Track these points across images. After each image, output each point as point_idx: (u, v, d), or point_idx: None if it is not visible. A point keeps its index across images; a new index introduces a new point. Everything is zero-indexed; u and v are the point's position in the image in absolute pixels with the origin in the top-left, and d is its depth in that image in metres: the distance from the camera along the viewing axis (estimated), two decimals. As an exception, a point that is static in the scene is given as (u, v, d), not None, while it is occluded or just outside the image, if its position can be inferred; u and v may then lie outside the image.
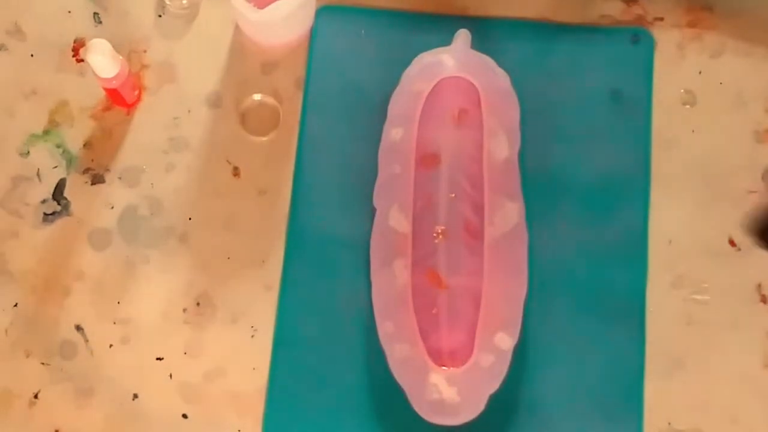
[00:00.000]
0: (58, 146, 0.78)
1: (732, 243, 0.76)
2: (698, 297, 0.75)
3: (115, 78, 0.73)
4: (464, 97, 0.73)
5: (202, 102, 0.79)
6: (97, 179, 0.77)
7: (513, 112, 0.75)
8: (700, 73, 0.79)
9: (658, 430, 0.73)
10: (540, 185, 0.76)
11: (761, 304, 0.75)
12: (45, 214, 0.77)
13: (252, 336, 0.75)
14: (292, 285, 0.75)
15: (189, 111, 0.79)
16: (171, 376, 0.74)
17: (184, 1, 0.80)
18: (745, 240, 0.76)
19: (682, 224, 0.76)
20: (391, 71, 0.76)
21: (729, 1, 0.80)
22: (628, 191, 0.76)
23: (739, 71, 0.79)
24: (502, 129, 0.73)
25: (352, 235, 0.75)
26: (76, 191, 0.77)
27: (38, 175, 0.77)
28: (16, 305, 0.75)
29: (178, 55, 0.79)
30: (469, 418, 0.69)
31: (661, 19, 0.80)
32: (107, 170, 0.77)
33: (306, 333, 0.74)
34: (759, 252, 0.75)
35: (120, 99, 0.77)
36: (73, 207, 0.77)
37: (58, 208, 0.77)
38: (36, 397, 0.74)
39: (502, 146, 0.73)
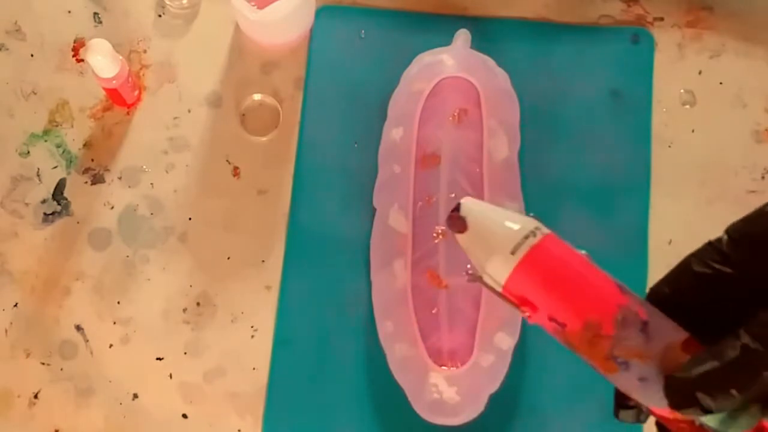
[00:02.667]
0: (58, 146, 0.78)
1: (732, 243, 0.76)
2: (698, 297, 0.75)
3: (115, 78, 0.73)
4: (464, 97, 0.73)
5: (202, 102, 0.79)
6: (97, 179, 0.77)
7: (513, 112, 0.75)
8: (700, 73, 0.79)
9: (658, 430, 0.73)
10: (540, 185, 0.76)
11: (761, 304, 0.75)
12: (45, 214, 0.77)
13: (252, 336, 0.75)
14: (292, 285, 0.75)
15: (189, 111, 0.79)
16: (171, 376, 0.74)
17: (184, 1, 0.80)
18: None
19: (682, 224, 0.76)
20: (391, 71, 0.76)
21: (729, 1, 0.80)
22: (628, 191, 0.76)
23: (739, 71, 0.79)
24: (502, 129, 0.73)
25: (352, 235, 0.75)
26: (76, 191, 0.77)
27: (38, 175, 0.77)
28: (16, 305, 0.75)
29: (178, 55, 0.80)
30: (469, 418, 0.69)
31: (661, 19, 0.80)
32: (107, 170, 0.77)
33: (306, 333, 0.74)
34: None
35: (120, 99, 0.77)
36: (73, 207, 0.77)
37: (58, 208, 0.77)
38: (36, 397, 0.74)
39: (502, 146, 0.73)
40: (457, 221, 0.49)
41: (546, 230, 0.47)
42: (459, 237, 0.49)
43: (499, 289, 0.48)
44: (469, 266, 0.51)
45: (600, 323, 0.46)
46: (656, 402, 0.45)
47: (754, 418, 0.42)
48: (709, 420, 0.43)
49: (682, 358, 0.44)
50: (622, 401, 0.48)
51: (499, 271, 0.47)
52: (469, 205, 0.49)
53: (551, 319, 0.47)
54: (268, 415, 0.73)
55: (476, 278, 0.49)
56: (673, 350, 0.45)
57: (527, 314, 0.47)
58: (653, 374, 0.45)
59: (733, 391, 0.41)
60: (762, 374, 0.40)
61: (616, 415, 0.49)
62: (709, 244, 0.47)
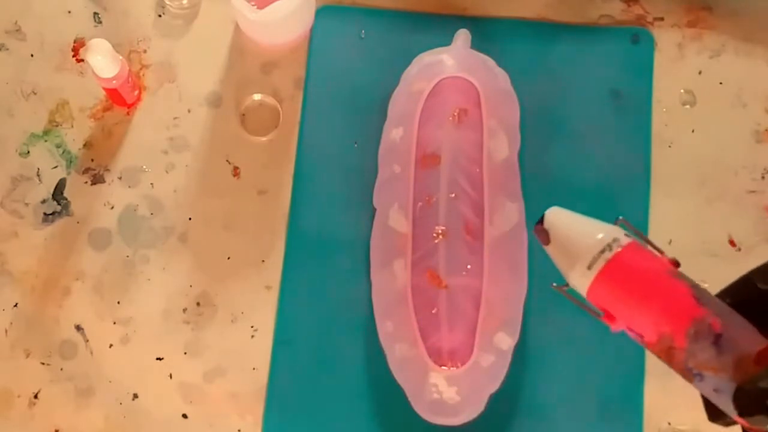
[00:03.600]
0: (58, 146, 0.78)
1: (732, 243, 0.76)
2: (698, 297, 0.75)
3: (115, 78, 0.73)
4: (464, 97, 0.73)
5: (202, 102, 0.79)
6: (97, 179, 0.77)
7: (513, 112, 0.75)
8: (700, 73, 0.79)
9: (658, 430, 0.73)
10: (540, 185, 0.75)
11: (761, 304, 0.75)
12: (45, 214, 0.77)
13: (252, 336, 0.75)
14: (292, 285, 0.75)
15: (189, 111, 0.79)
16: (171, 376, 0.74)
17: (184, 1, 0.80)
18: (745, 240, 0.76)
19: (682, 224, 0.76)
20: (391, 71, 0.76)
21: (729, 1, 0.80)
22: (628, 191, 0.76)
23: (739, 71, 0.79)
24: (502, 129, 0.73)
25: (352, 235, 0.75)
26: (76, 191, 0.77)
27: (38, 175, 0.77)
28: (16, 305, 0.75)
29: (178, 55, 0.79)
30: (469, 418, 0.69)
31: (661, 19, 0.80)
32: (107, 170, 0.77)
33: (306, 333, 0.74)
34: (759, 252, 0.75)
35: (120, 99, 0.77)
36: (73, 207, 0.77)
37: (58, 208, 0.77)
38: (36, 397, 0.74)
39: (502, 146, 0.73)
40: (541, 233, 0.51)
41: (625, 241, 0.48)
42: (545, 248, 0.50)
43: (583, 300, 0.49)
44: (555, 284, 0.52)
45: (673, 336, 0.47)
46: (732, 411, 0.46)
47: None
48: None
49: (754, 370, 0.45)
50: (713, 411, 0.48)
51: (578, 284, 0.49)
52: (552, 216, 0.50)
53: (629, 329, 0.48)
54: (268, 415, 0.73)
55: (560, 289, 0.51)
56: (745, 362, 0.45)
57: (608, 323, 0.49)
58: (726, 386, 0.45)
59: None
60: None
61: (711, 419, 0.49)
62: None
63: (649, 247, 0.50)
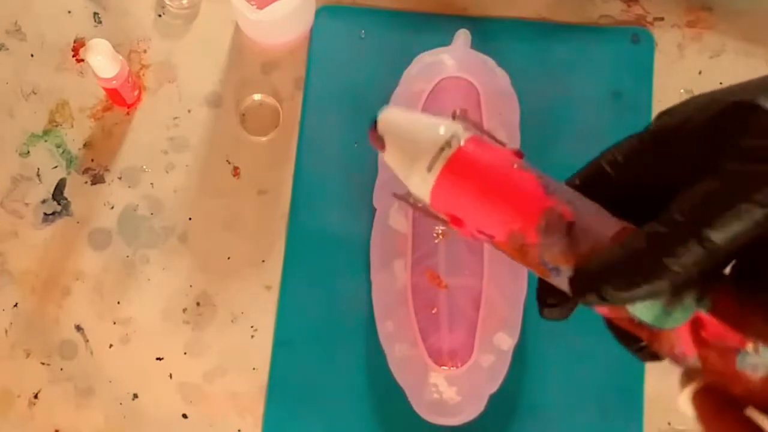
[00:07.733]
0: (58, 146, 0.78)
1: (732, 243, 0.76)
2: (698, 297, 0.75)
3: (115, 78, 0.73)
4: (464, 97, 0.73)
5: (202, 102, 0.79)
6: (97, 179, 0.77)
7: (513, 112, 0.75)
8: (700, 73, 0.79)
9: (658, 430, 0.73)
10: (540, 185, 0.75)
11: (761, 304, 0.75)
12: (45, 214, 0.77)
13: (252, 336, 0.75)
14: (292, 285, 0.75)
15: (189, 111, 0.79)
16: (171, 376, 0.74)
17: (184, 1, 0.80)
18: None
19: (682, 224, 0.76)
20: (391, 71, 0.76)
21: (729, 1, 0.80)
22: (628, 191, 0.76)
23: (739, 71, 0.79)
24: (502, 129, 0.73)
25: (352, 235, 0.75)
26: (76, 191, 0.77)
27: (38, 175, 0.77)
28: (16, 305, 0.75)
29: (178, 55, 0.80)
30: (469, 418, 0.69)
31: (661, 19, 0.80)
32: (107, 170, 0.77)
33: (306, 333, 0.74)
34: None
35: (120, 99, 0.77)
36: (73, 207, 0.77)
37: (58, 208, 0.77)
38: (36, 397, 0.74)
39: (502, 146, 0.73)
40: (376, 140, 0.46)
41: (465, 135, 0.44)
42: (382, 155, 0.46)
43: (429, 207, 0.45)
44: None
45: (524, 233, 0.43)
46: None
47: (687, 310, 0.41)
48: (644, 316, 0.41)
49: None
50: (544, 300, 0.46)
51: (421, 190, 0.44)
52: (386, 119, 0.45)
53: (480, 232, 0.44)
54: (268, 415, 0.73)
55: (403, 198, 0.47)
56: (600, 248, 0.42)
57: (456, 229, 0.45)
58: None
59: (638, 278, 0.39)
60: (662, 260, 0.39)
61: (542, 313, 0.47)
62: (629, 137, 0.45)
63: (491, 140, 0.46)
